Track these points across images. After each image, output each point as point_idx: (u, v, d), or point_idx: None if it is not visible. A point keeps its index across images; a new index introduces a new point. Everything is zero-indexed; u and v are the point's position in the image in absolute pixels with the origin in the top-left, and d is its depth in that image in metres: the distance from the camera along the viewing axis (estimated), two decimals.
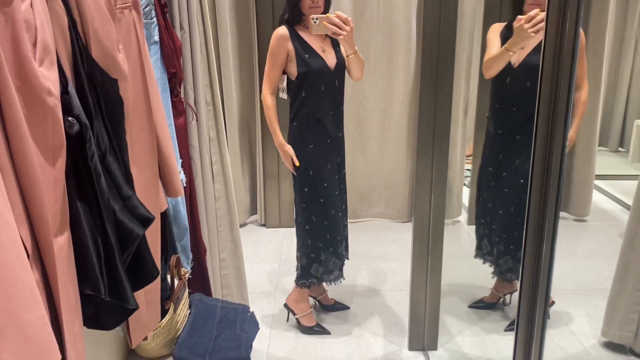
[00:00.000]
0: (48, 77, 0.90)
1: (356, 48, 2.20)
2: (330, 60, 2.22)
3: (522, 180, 2.26)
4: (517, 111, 2.23)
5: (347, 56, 2.22)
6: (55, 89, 0.92)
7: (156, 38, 1.70)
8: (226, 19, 3.27)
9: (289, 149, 2.25)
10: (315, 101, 2.21)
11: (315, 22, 2.07)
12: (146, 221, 1.17)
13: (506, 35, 2.20)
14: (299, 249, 2.42)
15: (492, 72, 2.22)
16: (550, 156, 1.37)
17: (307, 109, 2.21)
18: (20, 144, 0.87)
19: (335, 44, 2.27)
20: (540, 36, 2.07)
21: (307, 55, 2.17)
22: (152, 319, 1.47)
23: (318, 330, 2.49)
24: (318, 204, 2.29)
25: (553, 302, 2.51)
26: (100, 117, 1.14)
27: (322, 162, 2.27)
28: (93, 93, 1.12)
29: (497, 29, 2.29)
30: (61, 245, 0.96)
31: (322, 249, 2.34)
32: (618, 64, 4.53)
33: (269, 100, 2.24)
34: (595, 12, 3.35)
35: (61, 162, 0.95)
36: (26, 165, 0.88)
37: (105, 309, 1.11)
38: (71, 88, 0.99)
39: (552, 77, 1.18)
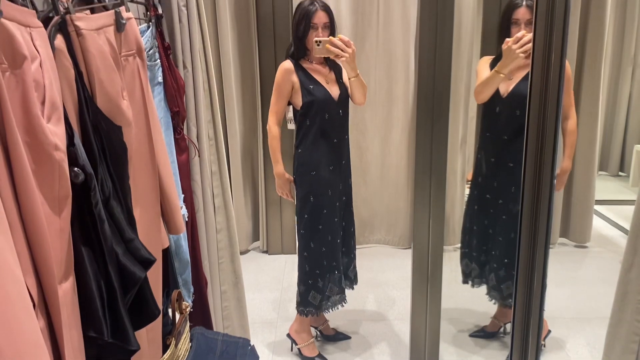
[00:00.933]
0: (55, 133, 0.95)
1: (358, 71, 2.25)
2: (334, 91, 2.30)
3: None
4: (509, 139, 2.27)
5: (349, 79, 2.27)
6: (62, 143, 0.97)
7: (160, 79, 1.76)
8: (229, 52, 3.35)
9: (289, 178, 2.37)
10: (319, 129, 2.27)
11: (318, 45, 2.13)
12: (148, 263, 1.21)
13: (495, 65, 2.25)
14: (298, 275, 2.45)
15: (483, 96, 2.26)
16: (540, 184, 1.39)
17: (312, 137, 2.28)
18: (27, 196, 0.91)
19: (338, 77, 2.34)
20: (528, 67, 2.12)
21: (311, 86, 2.26)
22: (153, 355, 1.50)
23: None
24: (316, 230, 2.32)
25: (549, 331, 2.52)
26: (105, 164, 1.19)
27: (323, 189, 2.32)
28: (98, 141, 1.17)
29: (486, 60, 2.34)
30: (66, 291, 1.00)
31: (319, 275, 2.37)
32: (616, 90, 4.59)
33: (274, 130, 2.34)
34: (591, 39, 3.42)
35: (67, 212, 0.99)
36: (33, 217, 0.92)
37: (107, 350, 1.14)
38: (77, 140, 1.04)
39: (539, 105, 1.23)
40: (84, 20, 1.16)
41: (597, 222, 3.88)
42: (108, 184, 1.17)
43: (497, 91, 2.24)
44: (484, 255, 2.52)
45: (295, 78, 2.27)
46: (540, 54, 1.22)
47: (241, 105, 3.60)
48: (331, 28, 2.24)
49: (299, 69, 2.28)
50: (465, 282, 2.58)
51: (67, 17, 1.12)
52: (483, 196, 2.46)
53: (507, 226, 2.37)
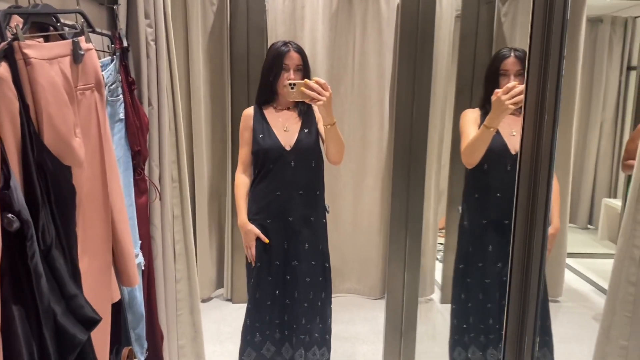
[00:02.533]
0: None
1: (335, 120, 2.07)
2: (288, 139, 2.14)
3: None
4: (502, 197, 2.10)
5: (325, 126, 2.08)
6: None
7: (122, 115, 1.64)
8: (200, 90, 3.26)
9: (252, 228, 2.17)
10: (268, 179, 2.15)
11: (292, 88, 1.97)
12: (91, 323, 1.06)
13: (483, 121, 2.11)
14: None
15: (476, 156, 2.06)
16: (531, 242, 1.30)
17: (261, 186, 2.17)
18: None
19: (306, 126, 2.17)
20: (513, 120, 2.05)
21: (261, 135, 2.14)
22: None
23: None
24: (264, 281, 2.18)
25: None
26: (49, 208, 1.05)
27: (271, 239, 2.17)
28: (42, 182, 1.04)
29: (470, 114, 2.19)
30: None
31: (258, 329, 2.22)
32: (584, 143, 4.66)
33: (238, 178, 2.23)
34: (564, 93, 3.46)
35: None
36: None
37: None
38: (14, 182, 0.91)
39: (531, 158, 1.15)
40: (34, 49, 1.04)
41: (567, 275, 3.85)
42: (51, 231, 1.04)
43: (507, 149, 2.07)
44: (479, 333, 2.26)
45: (251, 124, 2.17)
46: (532, 104, 1.15)
47: (210, 146, 3.48)
48: (304, 71, 2.12)
49: (258, 115, 2.18)
50: None
51: (15, 43, 1.01)
52: (473, 266, 2.23)
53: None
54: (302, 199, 2.17)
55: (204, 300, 3.58)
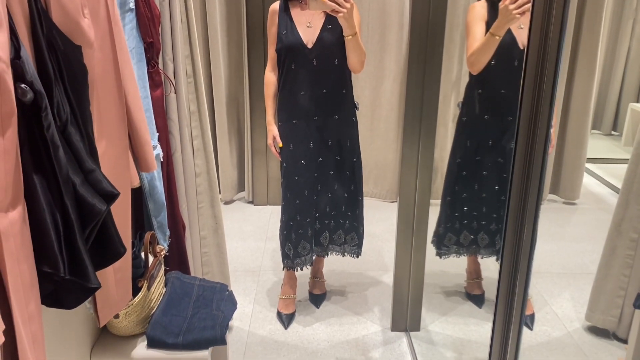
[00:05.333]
0: None
1: (356, 31, 2.04)
2: (310, 36, 2.11)
3: None
4: (506, 93, 2.11)
5: (345, 37, 2.06)
6: (4, 53, 0.86)
7: (132, 5, 1.62)
8: None
9: (274, 128, 2.24)
10: (291, 80, 2.15)
11: None
12: (110, 197, 1.12)
13: (492, 18, 2.04)
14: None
15: (479, 65, 2.04)
16: (534, 142, 1.29)
17: (286, 88, 2.18)
18: None
19: (332, 22, 2.11)
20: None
21: (284, 32, 2.12)
22: (122, 297, 1.42)
23: (279, 319, 2.42)
24: (292, 181, 2.23)
25: (533, 314, 2.39)
26: (62, 86, 1.07)
27: (298, 140, 2.21)
28: (54, 60, 1.06)
29: (477, 9, 2.10)
30: (13, 220, 0.91)
31: (292, 228, 2.28)
32: (615, 46, 4.46)
33: (267, 77, 2.25)
34: None
35: (11, 132, 0.89)
36: None
37: (64, 287, 1.05)
38: (24, 52, 0.93)
39: (538, 52, 1.12)
40: None
41: (587, 179, 3.84)
42: (65, 108, 1.07)
43: (515, 43, 2.02)
44: (475, 222, 2.33)
45: (276, 20, 2.15)
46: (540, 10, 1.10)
47: (226, 49, 3.44)
48: None
49: (283, 10, 2.15)
50: (442, 254, 2.41)
51: None
52: (471, 159, 2.26)
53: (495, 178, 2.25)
54: (327, 98, 2.19)
55: (226, 203, 3.71)
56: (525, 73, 1.12)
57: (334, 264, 2.83)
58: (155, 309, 1.67)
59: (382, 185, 3.75)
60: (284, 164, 2.25)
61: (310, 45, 2.11)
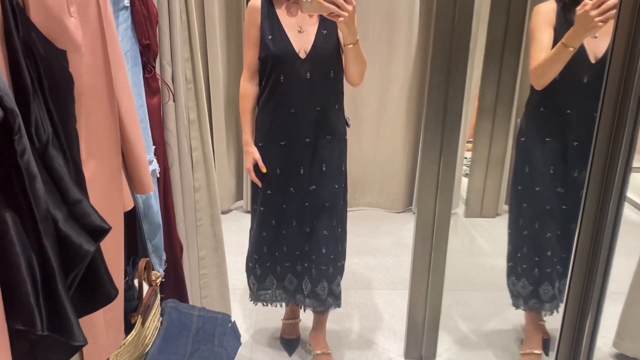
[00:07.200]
0: None
1: (358, 37, 1.72)
2: (302, 43, 1.77)
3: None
4: (572, 113, 1.82)
5: (345, 46, 1.74)
6: None
7: (126, 2, 1.43)
8: None
9: (253, 150, 1.89)
10: (278, 95, 1.81)
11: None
12: (100, 232, 0.93)
13: (561, 23, 1.74)
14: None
15: (546, 79, 1.76)
16: (611, 171, 1.08)
17: (271, 103, 1.83)
18: None
19: (324, 26, 1.80)
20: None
21: (270, 37, 1.76)
22: (113, 340, 1.23)
23: (282, 345, 2.23)
24: (257, 210, 1.95)
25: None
26: (42, 99, 0.89)
27: (270, 166, 1.89)
28: (32, 68, 0.87)
29: (544, 13, 1.79)
30: None
31: (257, 261, 2.01)
32: None
33: (244, 87, 1.89)
34: None
35: None
36: None
37: (43, 345, 0.87)
38: None
39: (622, 66, 0.94)
40: None
41: None
42: (46, 127, 0.88)
43: (585, 56, 1.73)
44: (537, 269, 2.01)
45: (258, 21, 1.78)
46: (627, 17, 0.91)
47: (225, 48, 3.25)
48: None
49: (266, 9, 1.78)
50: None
51: None
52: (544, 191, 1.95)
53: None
54: (320, 116, 1.85)
55: (223, 213, 3.51)
56: (605, 91, 0.94)
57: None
58: (150, 346, 1.48)
59: (388, 195, 3.58)
60: (268, 191, 1.92)
61: (303, 55, 1.77)
